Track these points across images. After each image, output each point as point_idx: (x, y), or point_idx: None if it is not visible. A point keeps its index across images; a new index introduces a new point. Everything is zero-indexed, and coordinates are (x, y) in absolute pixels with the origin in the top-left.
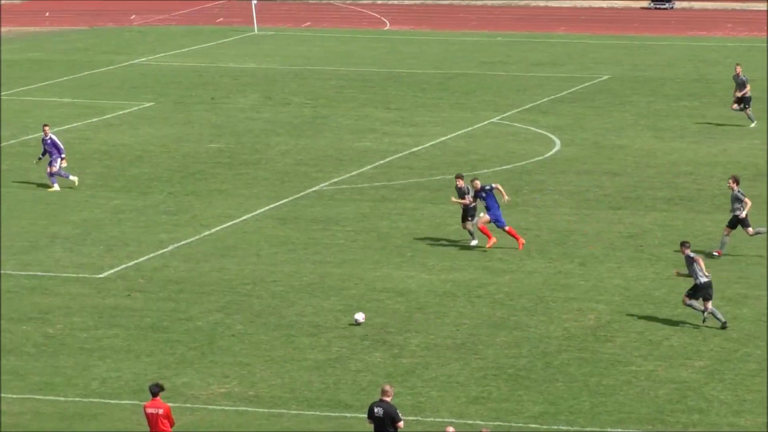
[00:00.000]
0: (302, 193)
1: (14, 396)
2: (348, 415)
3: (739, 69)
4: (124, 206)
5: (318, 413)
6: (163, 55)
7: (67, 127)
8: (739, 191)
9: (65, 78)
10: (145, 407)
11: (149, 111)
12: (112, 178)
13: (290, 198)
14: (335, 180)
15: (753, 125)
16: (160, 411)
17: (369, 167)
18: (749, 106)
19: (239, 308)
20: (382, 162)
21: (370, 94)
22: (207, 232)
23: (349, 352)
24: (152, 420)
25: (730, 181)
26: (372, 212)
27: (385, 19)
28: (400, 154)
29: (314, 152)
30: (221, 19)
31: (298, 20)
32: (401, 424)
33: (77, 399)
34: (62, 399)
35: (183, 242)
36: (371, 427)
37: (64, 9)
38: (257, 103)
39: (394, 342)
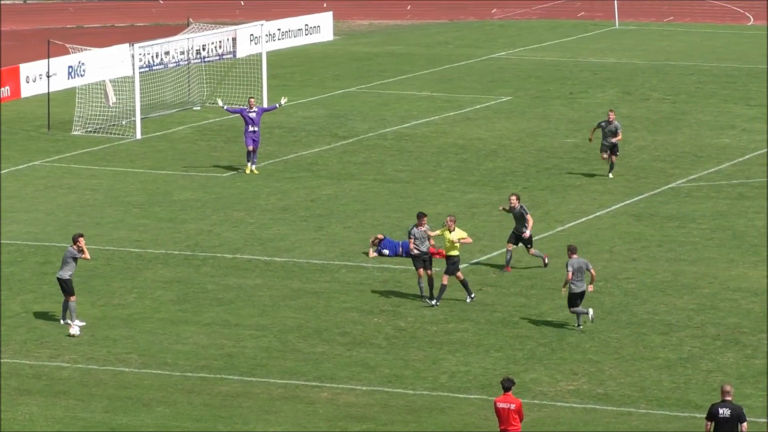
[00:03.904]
0: (658, 190)
1: (364, 387)
2: (697, 415)
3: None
4: (478, 200)
5: (667, 413)
6: (522, 49)
7: (424, 120)
8: (522, 207)
9: (424, 71)
10: (496, 402)
11: (507, 105)
12: (467, 172)
13: (646, 194)
14: (692, 177)
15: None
16: (512, 406)
17: (727, 164)
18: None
19: (590, 305)
20: (740, 159)
21: (731, 90)
22: (560, 228)
23: (701, 351)
24: (503, 415)
25: (513, 198)
26: (729, 210)
27: (748, 14)
28: (760, 152)
29: (672, 148)
30: (582, 13)
31: (660, 15)
32: (746, 425)
33: (425, 392)
34: (411, 392)
35: (536, 237)
36: (709, 427)
37: (426, 2)
38: (615, 98)
39: (747, 342)
